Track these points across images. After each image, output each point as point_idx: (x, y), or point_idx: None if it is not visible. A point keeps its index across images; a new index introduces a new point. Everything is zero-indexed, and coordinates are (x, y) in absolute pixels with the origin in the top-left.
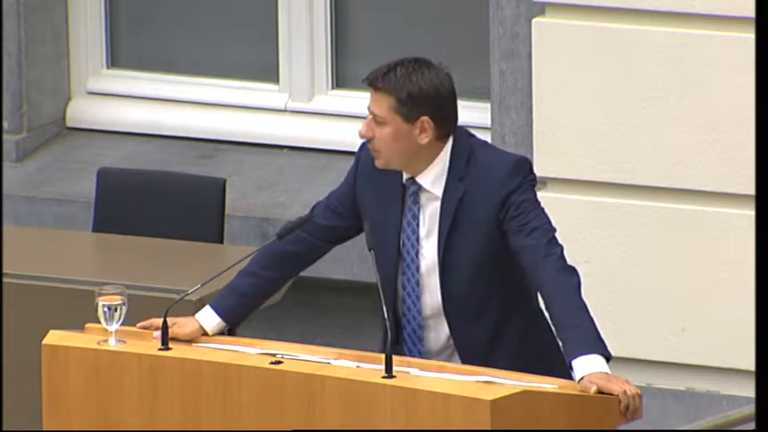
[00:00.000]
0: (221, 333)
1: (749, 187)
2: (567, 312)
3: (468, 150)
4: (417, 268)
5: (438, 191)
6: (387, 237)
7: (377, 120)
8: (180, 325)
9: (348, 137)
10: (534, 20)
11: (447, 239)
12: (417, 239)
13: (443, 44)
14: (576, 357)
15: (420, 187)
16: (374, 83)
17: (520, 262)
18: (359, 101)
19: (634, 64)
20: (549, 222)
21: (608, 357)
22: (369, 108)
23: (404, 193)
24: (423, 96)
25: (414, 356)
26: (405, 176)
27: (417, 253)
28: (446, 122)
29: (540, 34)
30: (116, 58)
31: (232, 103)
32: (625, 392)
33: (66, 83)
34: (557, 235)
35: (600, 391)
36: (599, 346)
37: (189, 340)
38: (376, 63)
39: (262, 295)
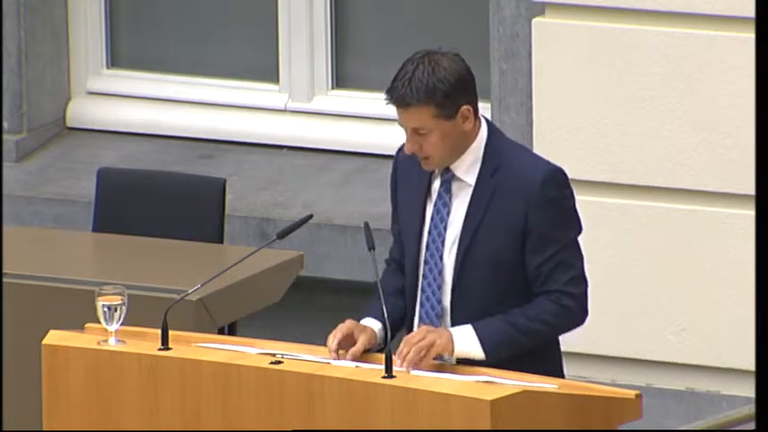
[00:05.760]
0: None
1: (749, 187)
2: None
3: (503, 145)
4: (441, 257)
5: (471, 179)
6: (412, 226)
7: (419, 132)
8: (360, 329)
9: (348, 137)
10: (534, 20)
11: (474, 232)
12: (445, 228)
13: (443, 44)
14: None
15: (453, 176)
16: (404, 100)
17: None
18: (359, 101)
19: (634, 64)
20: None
21: (486, 353)
22: (402, 125)
23: (429, 181)
24: (454, 89)
25: None
26: None
27: (443, 242)
28: (477, 101)
29: (540, 34)
30: (116, 58)
31: (232, 103)
32: (408, 342)
33: (66, 83)
34: (569, 258)
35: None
36: (485, 335)
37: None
38: (376, 63)
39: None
